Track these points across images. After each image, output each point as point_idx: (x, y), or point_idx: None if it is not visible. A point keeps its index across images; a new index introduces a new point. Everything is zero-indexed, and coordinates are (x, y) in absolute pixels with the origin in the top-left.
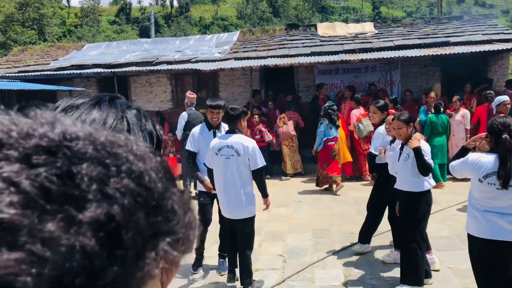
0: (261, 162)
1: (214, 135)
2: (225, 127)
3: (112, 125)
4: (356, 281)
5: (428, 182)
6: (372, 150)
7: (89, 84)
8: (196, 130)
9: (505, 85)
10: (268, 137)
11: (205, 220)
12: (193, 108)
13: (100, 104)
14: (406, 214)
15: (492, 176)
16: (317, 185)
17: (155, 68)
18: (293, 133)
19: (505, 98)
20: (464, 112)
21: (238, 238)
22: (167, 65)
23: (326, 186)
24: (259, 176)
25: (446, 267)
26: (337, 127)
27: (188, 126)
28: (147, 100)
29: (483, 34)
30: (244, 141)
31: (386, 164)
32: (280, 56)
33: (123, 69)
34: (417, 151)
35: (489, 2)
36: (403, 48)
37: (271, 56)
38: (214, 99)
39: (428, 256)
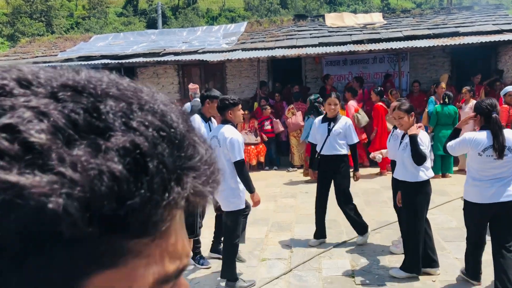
0: (239, 155)
1: (210, 127)
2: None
3: None
4: (362, 271)
5: (425, 173)
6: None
7: None
8: (197, 120)
9: None
10: (280, 127)
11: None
12: (198, 99)
13: None
14: (404, 204)
15: (489, 149)
16: (304, 175)
17: (162, 59)
18: (302, 123)
19: (511, 88)
20: (472, 103)
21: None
22: (174, 56)
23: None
24: (239, 170)
25: (454, 258)
26: None
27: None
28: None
29: (493, 24)
30: (226, 132)
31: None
32: (288, 47)
33: (131, 60)
34: (413, 139)
35: None
36: (412, 38)
37: (278, 47)
38: (210, 90)
39: (394, 246)
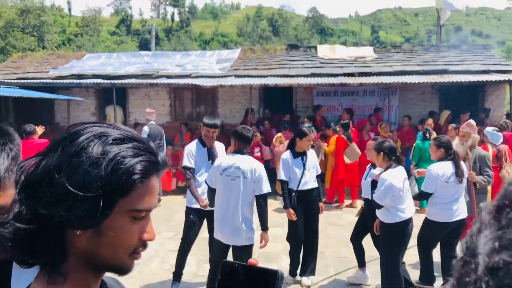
0: (266, 188)
1: (209, 153)
2: (218, 145)
3: None
4: None
5: (398, 216)
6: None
7: (87, 94)
8: (191, 147)
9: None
10: (269, 155)
11: (189, 238)
12: (154, 123)
13: None
14: (382, 244)
15: (452, 176)
16: None
17: (155, 81)
18: None
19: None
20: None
21: None
22: (167, 79)
23: None
24: (262, 203)
25: None
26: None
27: (150, 139)
28: (145, 112)
29: (481, 64)
30: (252, 163)
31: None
32: (280, 76)
33: (123, 81)
34: (372, 183)
35: (485, 32)
36: (402, 74)
37: (271, 75)
38: (211, 118)
39: (361, 272)
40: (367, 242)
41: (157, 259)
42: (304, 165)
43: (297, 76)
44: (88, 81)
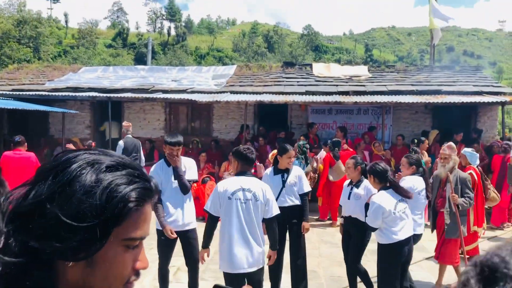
0: (276, 209)
1: (174, 172)
2: (184, 161)
3: None
4: None
5: (391, 238)
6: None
7: (83, 107)
8: (156, 168)
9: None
10: (263, 172)
11: (164, 267)
12: (130, 136)
13: None
14: (379, 262)
15: (423, 191)
16: None
17: (150, 95)
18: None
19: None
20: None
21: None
22: (163, 94)
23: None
24: (272, 225)
25: None
26: (307, 164)
27: (125, 153)
28: (140, 126)
29: (473, 85)
30: (261, 185)
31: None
32: (276, 93)
33: (119, 95)
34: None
35: (477, 53)
36: (396, 93)
37: (266, 92)
38: (173, 135)
39: None
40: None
41: (150, 276)
42: (283, 182)
43: (292, 93)
44: (84, 94)
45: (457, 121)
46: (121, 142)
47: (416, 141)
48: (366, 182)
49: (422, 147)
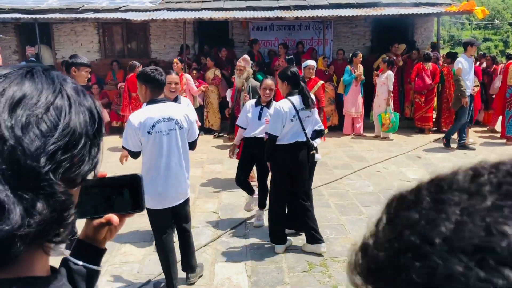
0: (197, 131)
1: None
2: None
3: (49, 100)
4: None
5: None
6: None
7: (6, 30)
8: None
9: (431, 46)
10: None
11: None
12: (34, 59)
13: (33, 75)
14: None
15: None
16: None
17: (81, 16)
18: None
19: (311, 62)
20: (388, 74)
21: (180, 221)
22: (94, 13)
23: None
24: (194, 147)
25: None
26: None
27: None
28: (72, 50)
29: None
30: (182, 109)
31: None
32: (215, 9)
33: (46, 16)
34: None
35: None
36: (336, 7)
37: (205, 9)
38: (77, 56)
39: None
40: None
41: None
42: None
43: (233, 9)
44: (6, 15)
45: (395, 34)
46: None
47: (351, 55)
48: (274, 103)
49: (355, 60)
